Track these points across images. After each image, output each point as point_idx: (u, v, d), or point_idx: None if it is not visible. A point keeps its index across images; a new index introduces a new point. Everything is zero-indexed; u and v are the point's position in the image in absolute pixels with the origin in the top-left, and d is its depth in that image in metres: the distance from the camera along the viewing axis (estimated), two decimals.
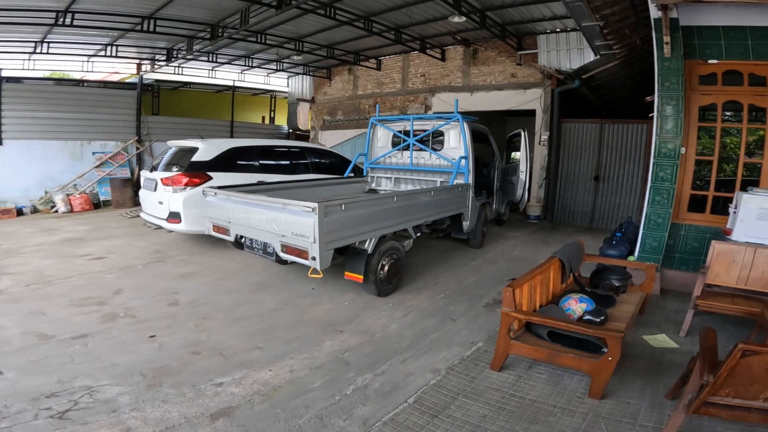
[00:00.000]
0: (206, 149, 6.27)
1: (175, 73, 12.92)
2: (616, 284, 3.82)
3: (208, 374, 3.04)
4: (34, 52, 9.75)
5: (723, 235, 4.30)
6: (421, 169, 6.70)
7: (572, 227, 9.07)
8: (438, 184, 6.34)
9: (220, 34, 8.61)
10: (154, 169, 6.56)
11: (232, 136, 13.36)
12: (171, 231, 6.46)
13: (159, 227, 7.39)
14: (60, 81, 11.79)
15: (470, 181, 6.06)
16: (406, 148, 6.77)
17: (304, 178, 6.88)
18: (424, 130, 6.62)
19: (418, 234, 5.30)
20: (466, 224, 6.19)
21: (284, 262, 5.44)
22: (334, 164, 7.96)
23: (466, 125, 6.08)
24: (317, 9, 7.45)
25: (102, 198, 10.95)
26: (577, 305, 3.25)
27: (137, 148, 11.76)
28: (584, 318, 3.18)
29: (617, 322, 3.25)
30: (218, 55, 11.50)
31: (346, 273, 4.38)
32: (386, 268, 4.57)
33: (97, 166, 11.02)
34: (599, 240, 6.66)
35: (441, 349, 3.49)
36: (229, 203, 4.64)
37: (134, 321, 3.92)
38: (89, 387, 2.81)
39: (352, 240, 4.12)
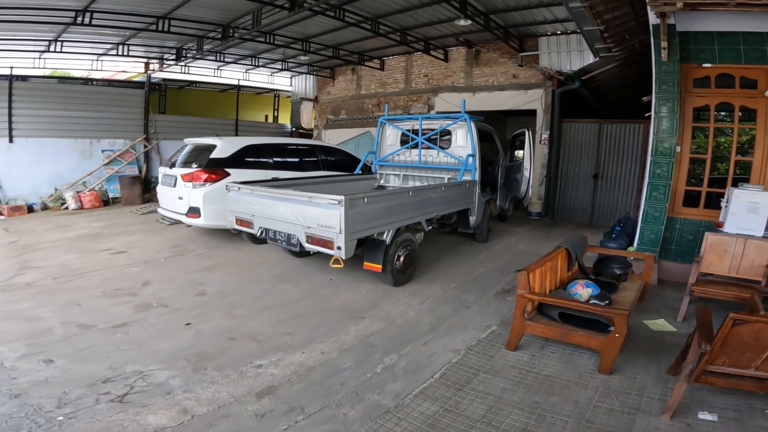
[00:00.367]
0: (223, 147, 6.51)
1: (181, 72, 13.09)
2: (618, 272, 4.13)
3: (247, 357, 3.29)
4: (47, 51, 9.90)
5: (716, 227, 4.61)
6: (428, 167, 6.99)
7: (572, 224, 9.39)
8: (445, 181, 6.62)
9: (231, 35, 8.83)
10: (172, 165, 6.79)
11: (237, 135, 13.58)
12: (190, 225, 6.69)
13: (174, 223, 7.64)
14: (63, 79, 11.93)
15: (477, 178, 6.35)
16: (415, 146, 7.04)
17: (315, 175, 7.13)
18: (432, 129, 6.90)
19: (430, 227, 5.59)
20: (472, 219, 6.48)
21: (301, 255, 5.74)
22: (342, 161, 8.22)
23: (473, 124, 6.37)
24: (327, 11, 7.69)
25: (111, 195, 11.16)
26: (583, 290, 3.55)
27: (145, 146, 11.95)
28: (590, 302, 3.47)
29: (620, 305, 3.55)
30: (225, 55, 11.70)
31: (365, 263, 4.66)
32: (402, 258, 4.86)
33: (106, 164, 11.21)
34: (599, 235, 6.96)
35: (458, 333, 3.78)
36: (253, 198, 4.91)
37: (168, 310, 4.17)
38: (140, 372, 3.02)
39: (373, 231, 4.41)
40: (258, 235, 5.05)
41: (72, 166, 10.82)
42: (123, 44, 10.05)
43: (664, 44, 4.86)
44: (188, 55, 10.84)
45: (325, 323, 3.95)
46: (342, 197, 3.95)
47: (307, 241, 4.37)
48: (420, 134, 6.89)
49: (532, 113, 10.01)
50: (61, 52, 9.88)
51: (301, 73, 14.55)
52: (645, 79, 9.40)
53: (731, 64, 4.96)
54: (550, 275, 3.58)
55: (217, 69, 13.72)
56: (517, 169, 8.22)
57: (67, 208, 10.18)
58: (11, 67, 9.87)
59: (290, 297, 4.59)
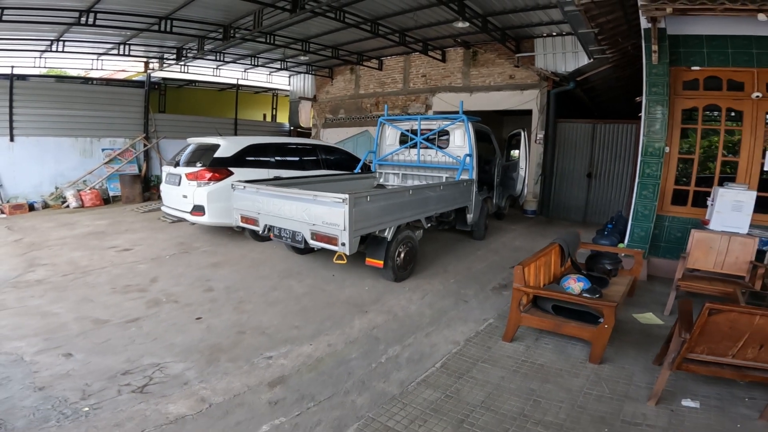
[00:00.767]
0: (227, 146, 6.66)
1: (181, 72, 13.18)
2: (609, 267, 4.33)
3: (258, 350, 3.46)
4: (48, 50, 9.98)
5: (702, 224, 4.83)
6: (427, 166, 7.17)
7: (567, 221, 9.61)
8: (443, 180, 6.80)
9: (232, 35, 8.95)
10: (176, 164, 6.93)
11: (236, 134, 13.70)
12: (194, 223, 6.84)
13: (176, 221, 7.79)
14: (61, 78, 11.99)
15: (474, 177, 6.54)
16: (414, 146, 7.22)
17: (316, 174, 7.30)
18: (431, 129, 7.09)
19: (429, 225, 5.78)
20: (470, 217, 6.68)
21: (304, 252, 5.91)
22: (342, 161, 8.38)
23: (470, 125, 6.56)
24: (328, 12, 7.83)
25: (111, 194, 11.25)
26: (575, 284, 3.74)
27: (145, 145, 12.04)
28: (582, 295, 3.66)
29: (609, 299, 3.75)
30: (224, 54, 11.81)
31: (368, 259, 4.84)
32: (402, 255, 5.05)
33: (106, 163, 11.30)
34: (592, 233, 7.18)
35: (458, 325, 3.97)
36: (259, 196, 5.08)
37: (178, 305, 4.33)
38: (157, 364, 3.18)
39: (376, 228, 4.60)
40: (262, 232, 5.21)
41: (73, 164, 10.91)
42: (124, 44, 10.14)
43: (654, 48, 5.05)
44: (189, 54, 10.95)
45: (330, 317, 4.12)
46: (347, 195, 4.13)
47: (312, 238, 4.54)
48: (419, 134, 7.07)
49: (528, 113, 10.21)
50: (62, 51, 9.96)
51: (300, 72, 14.68)
52: (638, 80, 9.59)
53: (719, 67, 5.16)
54: (544, 270, 3.78)
55: (216, 68, 13.82)
56: (513, 168, 8.45)
57: (68, 206, 10.27)
58: (12, 67, 9.94)
59: (296, 292, 4.76)
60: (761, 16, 4.01)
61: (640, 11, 4.87)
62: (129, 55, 10.80)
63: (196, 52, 10.41)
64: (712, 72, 5.22)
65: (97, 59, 11.52)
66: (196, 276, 5.21)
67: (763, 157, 4.95)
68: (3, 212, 9.30)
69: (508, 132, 9.30)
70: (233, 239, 6.92)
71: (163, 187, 7.22)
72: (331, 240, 4.33)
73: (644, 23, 5.14)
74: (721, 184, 4.91)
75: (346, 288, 4.92)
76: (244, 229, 6.02)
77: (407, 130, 7.33)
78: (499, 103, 10.49)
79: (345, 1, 7.70)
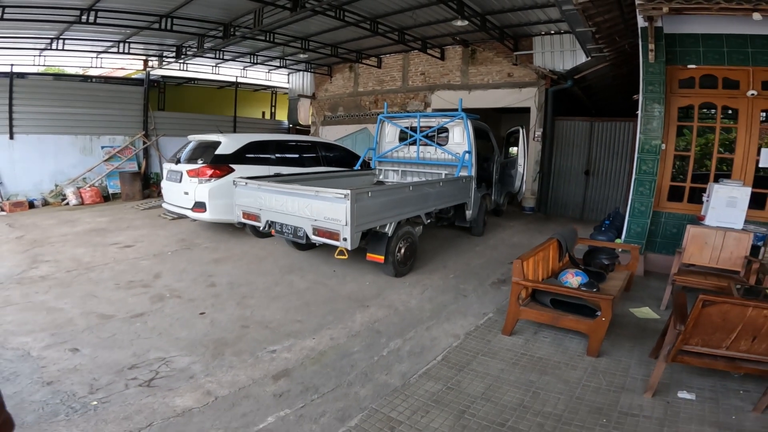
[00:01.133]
0: (228, 143, 6.70)
1: (180, 69, 13.19)
2: (606, 262, 4.41)
3: (261, 343, 3.52)
4: (48, 48, 9.98)
5: (697, 220, 4.91)
6: (426, 163, 7.23)
7: (564, 218, 9.69)
8: (443, 177, 6.87)
9: (232, 33, 8.97)
10: (178, 161, 6.97)
11: (235, 131, 13.72)
12: (195, 220, 6.89)
13: (177, 217, 7.83)
14: (59, 76, 11.98)
15: (473, 174, 6.61)
16: (413, 143, 7.28)
17: (316, 171, 7.35)
18: (430, 127, 7.14)
19: (429, 221, 5.85)
20: (469, 213, 6.75)
21: (305, 248, 5.97)
22: (342, 158, 8.44)
23: (469, 122, 6.62)
24: (328, 11, 7.87)
25: (111, 191, 11.28)
26: (573, 278, 3.82)
27: (144, 143, 12.06)
28: (580, 289, 3.73)
29: (606, 293, 3.82)
30: (224, 52, 11.83)
31: (368, 254, 4.91)
32: (402, 250, 5.12)
33: (105, 160, 11.32)
34: (589, 229, 7.23)
35: (458, 319, 4.04)
36: (261, 192, 5.13)
37: (181, 301, 4.38)
38: (163, 358, 3.23)
39: (377, 224, 4.67)
40: (263, 228, 5.27)
41: (72, 162, 10.93)
42: (124, 42, 10.15)
43: (651, 46, 5.11)
44: (188, 52, 10.96)
45: (332, 311, 4.18)
46: (348, 191, 4.19)
47: (314, 233, 4.60)
48: (418, 131, 7.13)
49: (526, 111, 10.27)
50: (62, 50, 9.96)
51: (299, 70, 14.71)
52: (634, 78, 9.67)
53: (715, 66, 5.23)
54: (543, 265, 3.85)
55: (216, 66, 13.83)
56: (512, 165, 8.51)
57: (67, 203, 10.30)
58: (12, 65, 9.94)
59: (298, 287, 4.82)
60: (756, 15, 4.08)
61: (637, 10, 4.94)
62: (128, 53, 10.81)
63: (195, 50, 10.42)
64: (708, 70, 5.29)
65: (97, 57, 11.53)
66: (199, 272, 5.26)
67: (758, 154, 5.02)
68: (3, 210, 9.32)
69: (506, 129, 9.35)
70: (234, 235, 6.98)
71: (164, 184, 7.26)
72: (333, 235, 4.39)
73: (641, 22, 5.19)
74: (716, 180, 4.99)
75: (347, 283, 4.98)
76: (245, 225, 6.09)
77: (407, 128, 7.38)
78: (498, 101, 10.55)
79: (345, 0, 7.74)
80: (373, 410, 2.65)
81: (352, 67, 13.54)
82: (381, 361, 3.28)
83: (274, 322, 3.94)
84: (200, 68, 13.73)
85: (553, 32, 9.36)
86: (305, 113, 15.34)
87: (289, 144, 7.93)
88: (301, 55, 12.07)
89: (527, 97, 10.07)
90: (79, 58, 11.42)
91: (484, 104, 10.65)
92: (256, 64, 13.36)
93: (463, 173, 6.55)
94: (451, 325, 3.92)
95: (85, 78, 11.79)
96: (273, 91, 17.43)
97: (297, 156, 7.84)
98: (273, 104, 17.91)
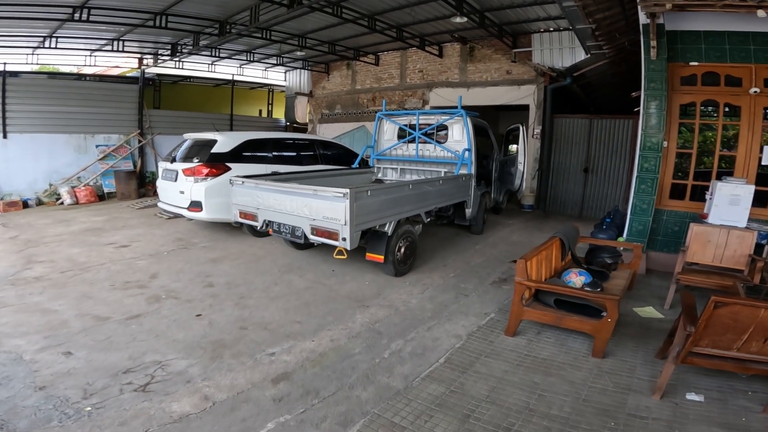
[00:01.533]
0: (224, 141, 6.61)
1: (175, 67, 13.06)
2: (608, 261, 4.36)
3: (260, 345, 3.45)
4: (41, 47, 9.84)
5: (700, 218, 4.86)
6: (425, 161, 7.17)
7: (563, 216, 9.65)
8: (442, 175, 6.81)
9: (228, 31, 8.86)
10: (173, 160, 6.87)
11: (231, 129, 13.60)
12: (191, 219, 6.79)
13: (173, 216, 7.73)
14: (54, 75, 11.83)
15: (473, 171, 6.55)
16: (412, 140, 7.21)
17: (314, 169, 7.27)
18: (429, 124, 7.08)
19: (429, 219, 5.78)
20: (468, 211, 6.69)
21: (304, 248, 5.90)
22: (339, 156, 8.36)
23: (469, 120, 6.55)
24: (325, 8, 7.78)
25: (106, 190, 11.15)
26: (577, 278, 3.76)
27: (139, 141, 11.94)
28: (584, 289, 3.69)
29: (610, 293, 3.78)
30: (220, 50, 11.71)
31: (368, 254, 4.84)
32: (402, 249, 5.06)
33: (100, 159, 11.19)
34: (589, 227, 7.20)
35: (459, 319, 3.98)
36: (258, 191, 5.05)
37: (178, 302, 4.30)
38: (159, 362, 3.15)
39: (376, 223, 4.60)
40: (261, 227, 5.19)
41: (67, 161, 10.79)
42: (118, 40, 10.02)
43: (653, 43, 5.06)
44: (183, 50, 10.83)
45: (332, 312, 4.12)
46: (347, 190, 4.12)
47: (312, 233, 4.53)
48: (417, 129, 7.06)
49: (525, 108, 10.23)
50: (55, 48, 9.82)
51: (296, 68, 14.60)
52: (633, 76, 9.65)
53: (717, 63, 5.18)
54: (546, 264, 3.79)
55: (212, 64, 13.69)
56: (512, 163, 8.45)
57: (62, 203, 10.18)
58: (4, 63, 9.78)
59: (297, 287, 4.75)
60: (761, 13, 4.03)
61: (639, 7, 4.89)
62: (123, 51, 10.67)
63: (191, 47, 10.30)
64: (710, 67, 5.25)
65: (90, 55, 11.38)
66: (196, 272, 5.18)
67: (761, 151, 4.99)
68: None
69: (504, 127, 9.31)
70: (232, 234, 6.90)
71: (160, 183, 7.16)
72: (332, 235, 4.32)
73: (643, 19, 5.15)
74: (719, 178, 4.96)
75: (346, 282, 4.91)
76: (242, 224, 6.00)
77: (405, 125, 7.31)
78: (496, 98, 10.49)
79: None
80: (375, 415, 2.59)
81: (349, 64, 13.45)
82: (382, 363, 3.22)
83: (273, 323, 3.87)
84: (196, 66, 13.59)
85: (552, 29, 9.31)
86: (302, 111, 15.23)
87: (286, 142, 7.84)
88: (298, 53, 11.96)
89: (526, 95, 10.02)
90: (73, 57, 11.27)
91: (483, 102, 10.59)
92: (253, 61, 13.23)
93: (463, 171, 6.49)
94: (453, 325, 3.86)
95: (79, 76, 11.61)
96: (270, 89, 17.30)
97: (294, 154, 7.76)
98: (270, 102, 17.79)
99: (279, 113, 17.33)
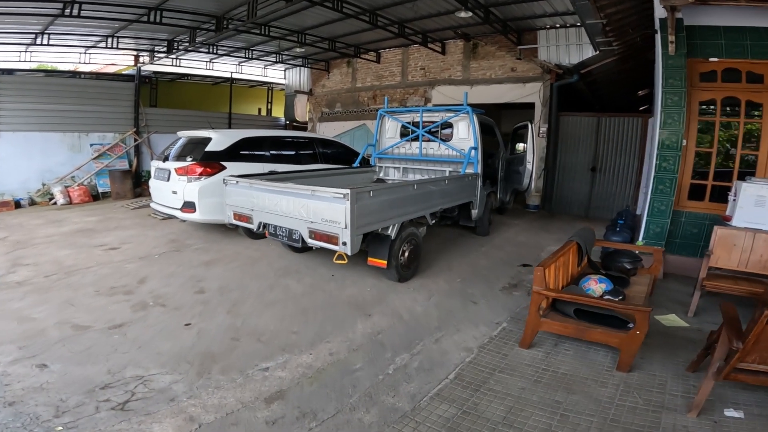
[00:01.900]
0: (219, 139, 6.33)
1: (173, 65, 12.80)
2: (628, 267, 4.07)
3: (252, 359, 3.16)
4: (33, 44, 9.57)
5: (722, 221, 4.58)
6: (429, 160, 6.88)
7: (569, 216, 9.37)
8: (447, 174, 6.53)
9: (225, 26, 8.59)
10: (165, 159, 6.60)
11: (230, 128, 13.33)
12: (184, 221, 6.51)
13: (167, 217, 7.44)
14: (51, 73, 11.56)
15: (479, 171, 6.27)
16: (415, 138, 6.93)
17: (313, 168, 6.99)
18: (433, 122, 6.79)
19: (434, 221, 5.49)
20: (474, 212, 6.41)
21: (302, 250, 5.61)
22: (340, 154, 8.08)
23: (475, 117, 6.27)
24: (325, 2, 7.50)
25: (101, 190, 10.88)
26: (596, 285, 3.48)
27: (135, 140, 11.66)
28: (604, 297, 3.40)
29: (632, 302, 3.49)
30: (218, 47, 11.44)
31: (370, 259, 4.54)
32: (406, 253, 4.76)
33: (95, 158, 10.91)
34: (597, 227, 6.87)
35: (469, 329, 3.69)
36: (252, 191, 4.76)
37: (166, 309, 4.01)
38: (141, 377, 2.87)
39: (379, 226, 4.29)
40: (256, 230, 4.91)
41: (61, 160, 10.51)
42: (112, 36, 9.75)
43: (671, 38, 4.81)
44: (180, 47, 10.55)
45: (331, 320, 3.84)
46: (348, 191, 3.82)
47: (310, 237, 4.24)
48: (420, 127, 6.77)
49: (528, 107, 9.94)
50: (48, 45, 9.55)
51: (296, 65, 14.33)
52: (638, 73, 9.43)
53: (737, 59, 4.94)
54: (563, 270, 3.51)
55: (210, 61, 13.44)
56: (519, 161, 8.11)
57: (55, 203, 9.90)
58: None
59: (294, 292, 4.47)
60: None
61: (657, 0, 4.63)
62: (118, 48, 10.40)
63: (187, 44, 10.02)
64: (730, 64, 5.00)
65: (85, 53, 11.10)
66: (188, 276, 4.90)
67: None
68: None
69: (507, 126, 9.01)
70: (227, 236, 6.61)
71: (152, 182, 6.87)
72: (331, 239, 4.02)
73: (660, 13, 4.93)
74: (740, 178, 4.68)
75: (347, 288, 4.63)
76: (237, 226, 5.72)
77: (408, 123, 7.03)
78: (500, 96, 10.21)
79: None
80: None
81: (350, 62, 13.17)
82: (387, 380, 2.93)
83: (267, 333, 3.58)
84: (194, 64, 13.33)
85: (558, 26, 9.01)
86: (302, 109, 14.95)
87: (284, 140, 7.56)
88: (298, 50, 11.68)
89: (531, 92, 9.74)
90: (67, 54, 11.00)
91: (486, 100, 10.28)
92: (252, 59, 12.95)
93: (469, 170, 6.20)
94: (462, 336, 3.58)
95: (74, 74, 11.33)
96: (269, 87, 17.03)
97: (293, 153, 7.49)
98: (269, 100, 17.52)
99: (278, 112, 17.06)
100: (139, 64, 11.61)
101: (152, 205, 6.96)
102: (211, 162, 6.11)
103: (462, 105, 6.46)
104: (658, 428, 2.40)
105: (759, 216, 4.27)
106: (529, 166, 7.85)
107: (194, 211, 5.98)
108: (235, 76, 14.48)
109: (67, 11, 7.32)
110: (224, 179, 5.14)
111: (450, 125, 6.75)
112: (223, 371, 3.00)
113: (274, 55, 12.72)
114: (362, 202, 3.97)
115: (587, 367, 3.06)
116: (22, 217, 8.31)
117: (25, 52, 10.53)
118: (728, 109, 5.21)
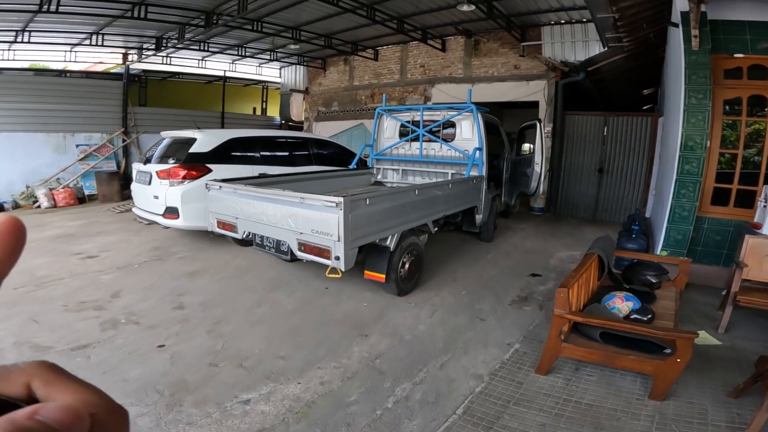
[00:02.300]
0: (204, 140, 5.91)
1: (163, 63, 12.37)
2: (653, 280, 3.68)
3: (232, 389, 2.77)
4: (15, 42, 9.12)
5: (751, 228, 4.21)
6: (430, 161, 6.48)
7: (576, 219, 8.99)
8: (449, 177, 6.13)
9: (215, 22, 8.17)
10: (147, 161, 6.18)
11: (223, 128, 12.89)
12: (168, 227, 6.09)
13: (153, 222, 7.01)
14: (40, 72, 11.12)
15: (484, 173, 5.87)
16: (415, 138, 6.53)
17: (307, 171, 6.58)
18: (434, 121, 6.38)
19: (436, 229, 5.08)
20: (479, 217, 6.02)
21: (295, 260, 5.18)
22: (336, 155, 7.68)
23: (480, 116, 5.88)
24: None
25: (87, 192, 10.43)
26: (622, 304, 3.10)
27: (123, 140, 11.23)
28: (631, 317, 3.02)
29: (661, 320, 3.11)
30: (210, 45, 11.02)
31: (366, 272, 4.13)
32: (407, 265, 4.34)
33: (81, 159, 10.47)
34: (606, 231, 6.54)
35: (478, 352, 3.30)
36: (236, 197, 4.34)
37: (139, 328, 3.61)
38: None
39: (376, 237, 3.86)
40: (242, 239, 4.50)
41: (46, 161, 10.05)
42: (97, 34, 9.31)
43: (694, 32, 4.45)
44: (169, 44, 10.12)
45: (323, 341, 3.44)
46: (341, 199, 3.40)
47: (300, 249, 3.81)
48: (421, 126, 6.37)
49: (532, 105, 9.55)
50: (29, 42, 9.11)
51: (291, 63, 13.90)
52: (645, 71, 9.06)
53: (764, 56, 4.58)
54: (584, 288, 3.12)
55: (202, 60, 13.01)
56: (527, 163, 7.61)
57: (39, 206, 9.46)
58: None
59: (284, 308, 4.06)
60: None
61: None
62: (104, 46, 9.95)
63: (176, 41, 9.59)
64: (756, 60, 4.63)
65: (71, 51, 10.66)
66: (169, 289, 4.48)
67: None
68: None
69: (509, 126, 8.58)
70: (215, 243, 6.20)
71: (134, 186, 6.43)
72: (323, 252, 3.59)
73: (682, 6, 4.59)
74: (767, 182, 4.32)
75: (342, 302, 4.23)
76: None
77: (408, 122, 6.63)
78: (503, 94, 9.82)
79: None
80: None
81: (347, 59, 12.77)
82: (386, 417, 2.53)
83: (251, 357, 3.18)
84: (185, 62, 12.88)
85: (563, 21, 8.65)
86: (298, 108, 14.53)
87: (277, 141, 7.16)
88: (293, 47, 11.25)
89: (535, 91, 9.35)
90: (52, 52, 10.57)
91: (489, 98, 9.89)
92: (246, 57, 12.53)
93: (474, 172, 5.81)
94: (471, 359, 3.18)
95: (59, 73, 10.90)
96: (264, 86, 16.60)
97: (286, 154, 7.09)
98: (264, 99, 17.09)
99: (274, 111, 16.64)
100: (127, 63, 11.17)
101: (134, 210, 6.53)
102: (196, 164, 5.69)
103: (465, 103, 6.06)
104: None
105: None
106: (537, 168, 7.39)
107: (177, 217, 5.56)
108: (228, 74, 14.04)
109: (45, 6, 6.88)
110: (206, 184, 4.71)
111: (452, 124, 6.35)
112: (197, 403, 2.61)
113: (269, 52, 12.30)
114: (357, 212, 3.56)
115: (615, 396, 2.68)
116: None
117: (9, 50, 10.08)
118: (755, 107, 4.85)
